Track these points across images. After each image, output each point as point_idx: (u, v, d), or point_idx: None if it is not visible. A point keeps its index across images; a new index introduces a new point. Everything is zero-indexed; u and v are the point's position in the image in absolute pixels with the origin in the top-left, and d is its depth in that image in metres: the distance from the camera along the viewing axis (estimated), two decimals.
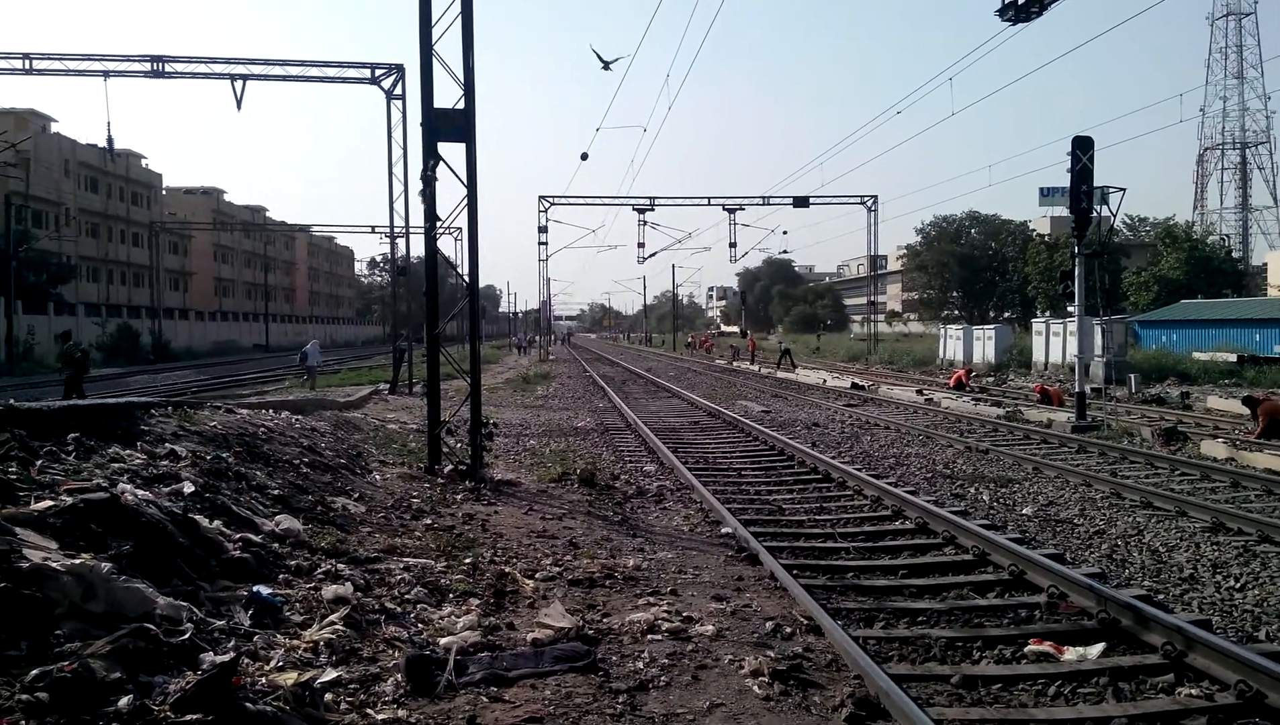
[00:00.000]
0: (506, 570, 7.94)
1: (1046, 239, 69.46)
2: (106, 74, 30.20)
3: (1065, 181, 20.32)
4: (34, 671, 4.27)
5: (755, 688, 5.55)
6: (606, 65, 24.93)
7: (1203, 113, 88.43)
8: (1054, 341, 39.64)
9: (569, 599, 7.22)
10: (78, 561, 5.35)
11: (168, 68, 30.12)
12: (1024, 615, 7.32)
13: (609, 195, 57.67)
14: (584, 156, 44.63)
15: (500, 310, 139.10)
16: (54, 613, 4.92)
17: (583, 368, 50.61)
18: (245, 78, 30.03)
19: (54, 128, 65.87)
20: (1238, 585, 8.28)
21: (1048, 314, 47.96)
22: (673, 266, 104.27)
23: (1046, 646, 6.47)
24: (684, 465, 14.34)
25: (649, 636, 6.40)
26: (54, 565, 5.21)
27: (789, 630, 6.64)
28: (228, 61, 30.28)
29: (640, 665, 5.86)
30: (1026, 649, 6.50)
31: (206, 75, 30.35)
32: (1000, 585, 8.11)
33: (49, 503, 6.25)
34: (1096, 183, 20.61)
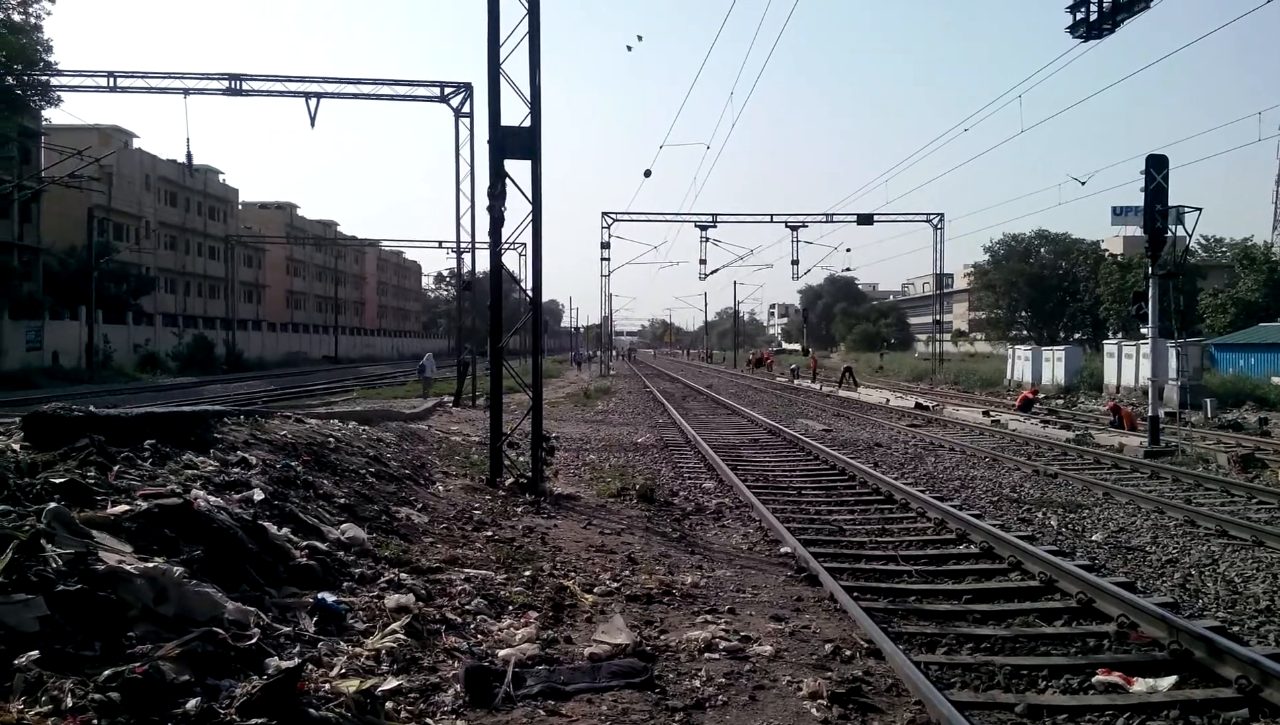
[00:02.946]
0: (565, 584, 7.97)
1: (1119, 259, 67.77)
2: (186, 92, 31.16)
3: (1138, 200, 19.85)
4: (106, 672, 4.39)
5: (813, 710, 5.49)
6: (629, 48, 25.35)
7: None
8: (1126, 364, 38.69)
9: (626, 615, 7.22)
10: (151, 565, 5.51)
11: (245, 86, 30.99)
12: (1092, 644, 7.14)
13: (671, 212, 57.81)
14: (647, 173, 45.04)
15: (562, 325, 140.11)
16: (127, 615, 5.06)
17: (643, 383, 50.68)
18: (319, 95, 30.77)
19: (135, 144, 68.10)
20: None
21: (1120, 336, 46.77)
22: (734, 283, 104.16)
23: (1115, 677, 6.30)
24: (743, 483, 14.27)
25: (706, 655, 6.38)
26: (128, 568, 5.37)
27: (849, 653, 6.56)
28: (302, 80, 31.07)
29: (697, 684, 5.83)
30: (1094, 679, 6.33)
31: (282, 93, 31.17)
32: (1068, 613, 7.92)
33: (125, 507, 6.43)
34: (1171, 202, 20.14)
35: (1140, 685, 6.17)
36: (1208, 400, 29.75)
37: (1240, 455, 17.62)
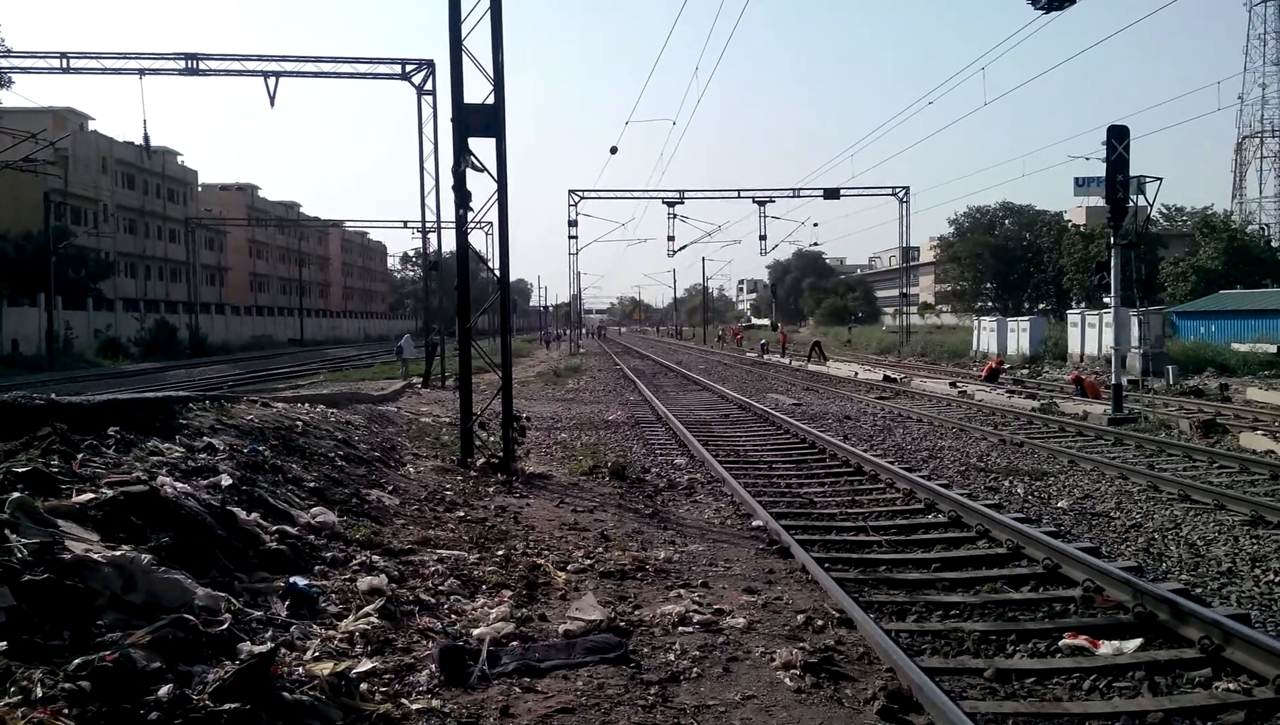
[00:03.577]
0: (538, 562, 7.98)
1: (1082, 229, 68.44)
2: (142, 72, 30.56)
3: (1100, 171, 20.11)
4: (76, 661, 4.35)
5: (787, 680, 5.55)
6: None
7: (1241, 100, 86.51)
8: (1090, 333, 39.20)
9: (600, 591, 7.25)
10: (118, 553, 5.45)
11: (202, 65, 30.46)
12: (1059, 609, 7.27)
13: (639, 189, 58.01)
14: (613, 150, 44.58)
15: (531, 304, 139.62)
16: (95, 603, 5.01)
17: (613, 361, 50.69)
18: (278, 74, 30.30)
19: (91, 126, 66.83)
20: (1277, 579, 8.16)
21: (1083, 305, 47.32)
22: (703, 259, 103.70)
23: (1082, 640, 6.41)
24: (715, 458, 14.33)
25: (680, 628, 6.42)
26: (95, 557, 5.31)
27: (820, 623, 6.63)
28: (260, 59, 30.59)
29: (672, 657, 5.88)
30: (1061, 643, 6.45)
31: (240, 72, 30.70)
32: (1035, 579, 8.05)
33: (90, 495, 6.36)
34: (1132, 172, 20.40)
35: (1106, 648, 6.29)
36: (1170, 367, 30.23)
37: (1201, 421, 17.93)
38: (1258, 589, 7.92)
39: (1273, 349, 36.27)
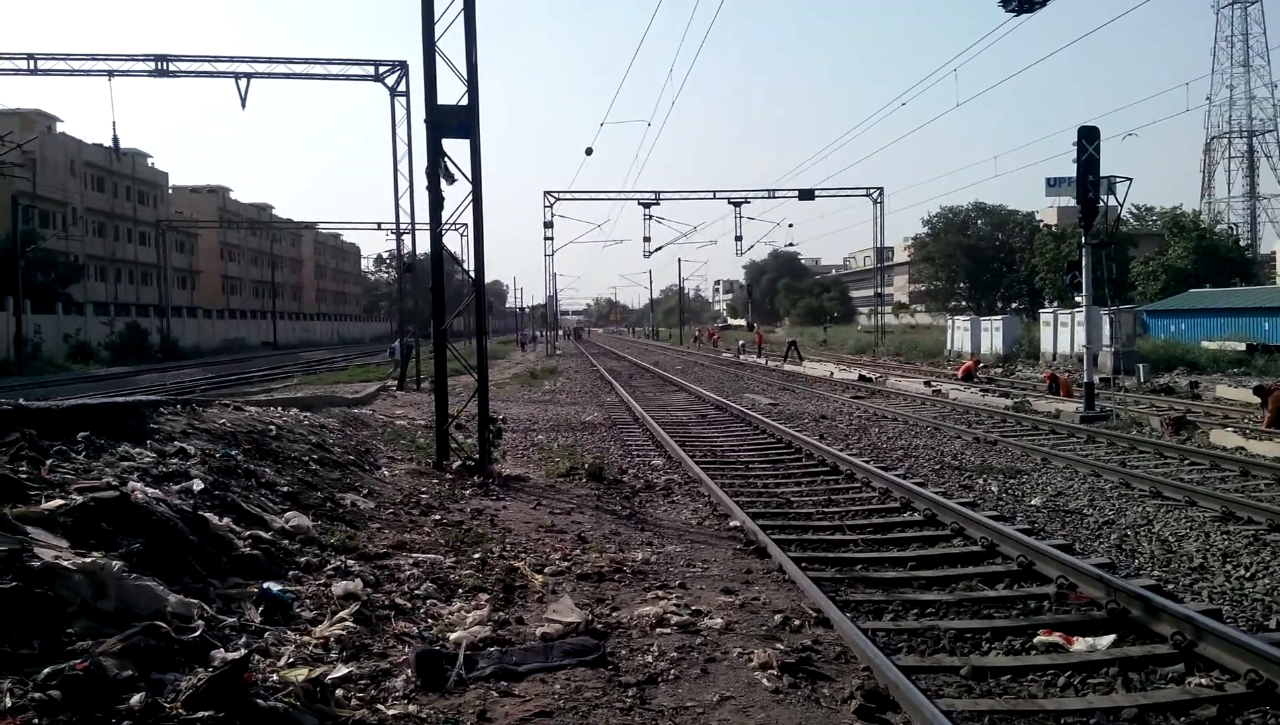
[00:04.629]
0: (515, 565, 7.95)
1: (1053, 229, 69.08)
2: (111, 73, 30.30)
3: (1072, 172, 20.21)
4: (46, 670, 4.28)
5: (764, 680, 5.56)
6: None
7: (1209, 101, 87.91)
8: (1062, 332, 39.55)
9: (578, 593, 7.23)
10: (88, 560, 5.38)
11: (172, 66, 30.20)
12: (1033, 606, 7.32)
13: (614, 190, 57.83)
14: (588, 151, 44.40)
15: (507, 306, 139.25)
16: (65, 611, 4.93)
17: (590, 362, 50.63)
18: (249, 76, 30.13)
19: (60, 128, 66.06)
20: (1248, 574, 8.26)
21: (1055, 304, 47.76)
22: (679, 260, 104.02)
23: (1056, 637, 6.46)
24: (692, 459, 14.34)
25: (658, 630, 6.41)
26: (65, 564, 5.23)
27: (798, 623, 6.64)
28: (231, 60, 30.39)
29: (650, 659, 5.87)
30: (1036, 640, 6.50)
31: (210, 74, 30.46)
32: (1009, 576, 8.10)
33: (59, 502, 6.27)
34: (1103, 172, 20.57)
35: (1080, 644, 6.34)
36: (1141, 366, 30.54)
37: (1172, 418, 18.13)
38: (1229, 584, 8.01)
39: (1242, 347, 36.76)
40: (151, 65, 30.10)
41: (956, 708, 5.35)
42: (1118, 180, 29.36)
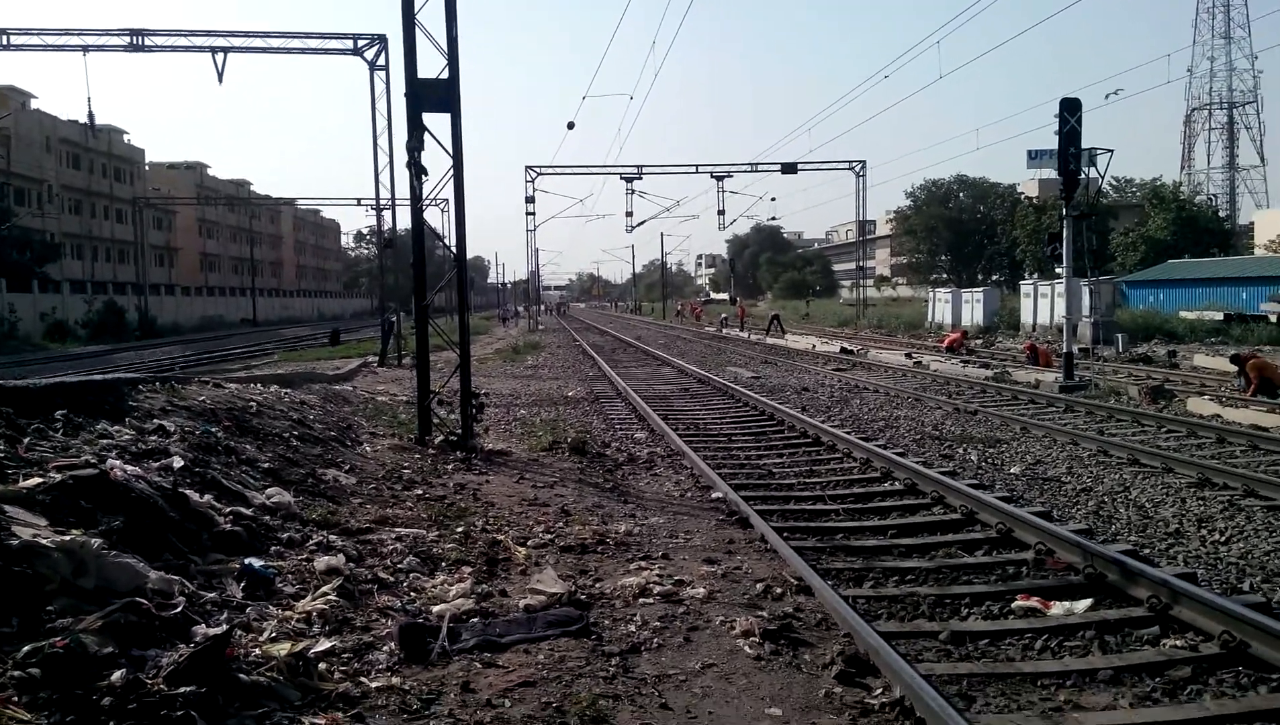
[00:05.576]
0: (498, 538, 7.97)
1: (1034, 201, 69.31)
2: (85, 49, 29.81)
3: (1053, 144, 20.26)
4: (26, 648, 4.27)
5: (746, 648, 5.61)
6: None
7: (1190, 73, 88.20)
8: (1042, 303, 39.80)
9: (561, 565, 7.26)
10: (68, 538, 5.36)
11: (147, 41, 29.74)
12: (1011, 572, 7.40)
13: (596, 164, 57.63)
14: (570, 125, 44.41)
15: (489, 281, 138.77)
16: (45, 589, 4.92)
17: (572, 337, 50.56)
18: (226, 50, 29.71)
19: (34, 104, 65.16)
20: (1222, 539, 8.37)
21: (1036, 276, 48.08)
22: (661, 235, 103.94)
23: (1034, 602, 6.54)
24: (674, 432, 14.37)
25: (641, 600, 6.45)
26: (44, 542, 5.21)
27: (779, 591, 6.70)
28: (208, 34, 29.94)
29: (632, 628, 5.91)
30: (1014, 605, 6.57)
31: (186, 48, 30.02)
32: (988, 543, 8.18)
33: (38, 480, 6.23)
34: (1084, 144, 20.60)
35: (1057, 608, 6.42)
36: (1120, 336, 30.79)
37: (1150, 387, 18.30)
38: (1204, 549, 8.11)
39: (1219, 316, 37.07)
40: (127, 40, 29.63)
41: (936, 672, 5.41)
42: (1099, 152, 29.40)
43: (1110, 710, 5.02)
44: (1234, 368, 19.80)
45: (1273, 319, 35.28)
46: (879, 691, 5.05)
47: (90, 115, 34.80)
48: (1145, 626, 6.08)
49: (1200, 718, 4.86)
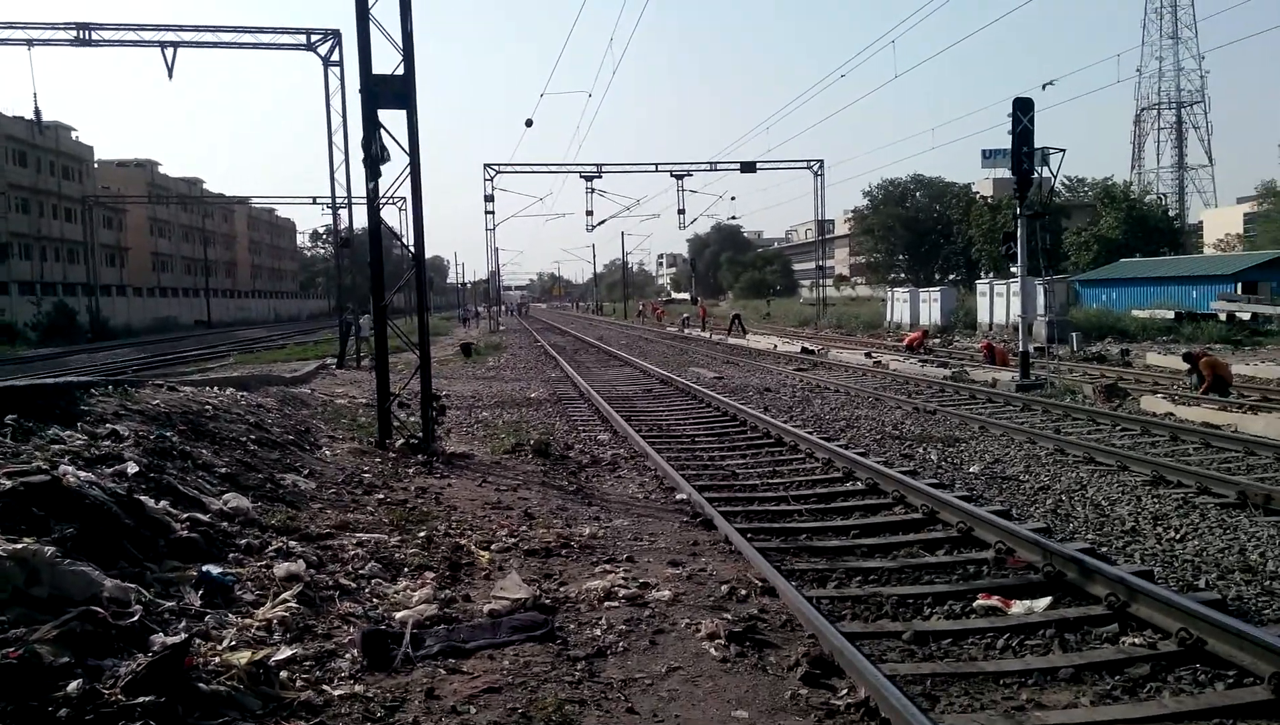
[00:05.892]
0: (461, 543, 7.91)
1: (989, 201, 70.26)
2: (30, 42, 29.18)
3: (1006, 143, 20.50)
4: None
5: (712, 650, 5.61)
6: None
7: (1139, 73, 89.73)
8: (998, 302, 40.33)
9: (525, 569, 7.22)
10: (19, 546, 5.23)
11: (95, 35, 29.16)
12: (972, 571, 7.48)
13: (556, 162, 57.28)
14: (529, 123, 44.09)
15: (448, 281, 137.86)
16: None
17: (534, 338, 50.39)
18: (176, 45, 29.23)
19: None
20: (1178, 536, 8.51)
21: (992, 275, 48.66)
22: (622, 234, 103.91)
23: (995, 601, 6.61)
24: (638, 433, 14.36)
25: (606, 604, 6.43)
26: None
27: (744, 593, 6.71)
28: (157, 29, 29.42)
29: (598, 632, 5.88)
30: (975, 604, 6.64)
31: (135, 43, 29.47)
32: (949, 542, 8.26)
33: None
34: (1037, 144, 20.88)
35: (1018, 607, 6.50)
36: (1074, 334, 31.28)
37: (1104, 386, 18.59)
38: (1160, 546, 8.25)
39: (1170, 315, 37.80)
40: (73, 34, 29.03)
41: (900, 672, 5.45)
42: (1051, 151, 29.88)
43: (1071, 709, 5.08)
44: (1186, 366, 20.19)
45: (1222, 317, 36.08)
46: (844, 692, 5.07)
47: (37, 111, 34.10)
48: (1104, 624, 6.17)
49: (1159, 715, 4.93)
